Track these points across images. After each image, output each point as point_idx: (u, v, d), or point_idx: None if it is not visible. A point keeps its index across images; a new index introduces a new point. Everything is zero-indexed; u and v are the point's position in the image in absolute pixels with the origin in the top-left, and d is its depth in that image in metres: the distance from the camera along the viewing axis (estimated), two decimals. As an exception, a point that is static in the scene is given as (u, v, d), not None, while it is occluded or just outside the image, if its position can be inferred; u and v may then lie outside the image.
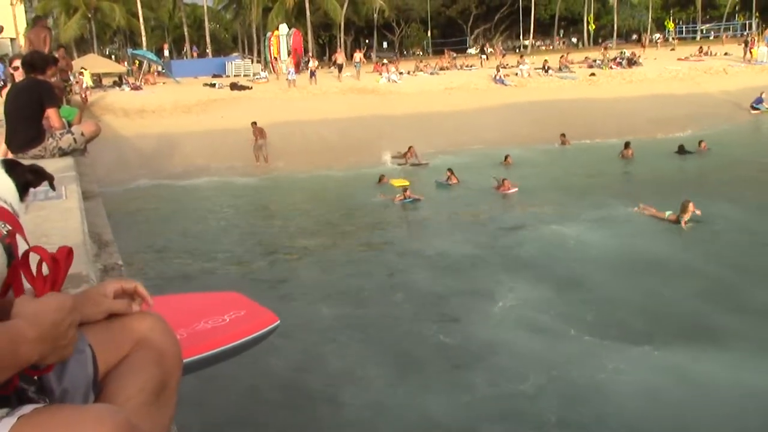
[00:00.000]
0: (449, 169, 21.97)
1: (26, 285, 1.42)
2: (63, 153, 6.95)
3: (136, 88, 35.15)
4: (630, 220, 16.00)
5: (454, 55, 49.24)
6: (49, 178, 1.64)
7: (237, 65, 42.87)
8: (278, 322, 2.87)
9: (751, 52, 42.28)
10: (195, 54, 56.44)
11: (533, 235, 15.45)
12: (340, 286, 12.56)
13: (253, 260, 14.74)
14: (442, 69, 43.16)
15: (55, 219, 4.05)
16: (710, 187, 19.37)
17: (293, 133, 28.53)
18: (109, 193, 12.74)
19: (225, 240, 16.64)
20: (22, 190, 1.56)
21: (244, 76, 40.14)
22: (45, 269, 1.38)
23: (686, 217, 14.86)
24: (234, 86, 35.30)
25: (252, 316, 3.00)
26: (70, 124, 8.24)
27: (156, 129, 28.66)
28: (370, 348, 9.76)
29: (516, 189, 19.62)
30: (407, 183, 21.12)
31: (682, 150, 24.44)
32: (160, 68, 42.28)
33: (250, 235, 17.20)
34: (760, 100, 34.23)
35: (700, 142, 24.90)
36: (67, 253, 1.38)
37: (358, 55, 43.03)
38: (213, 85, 35.88)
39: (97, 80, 36.37)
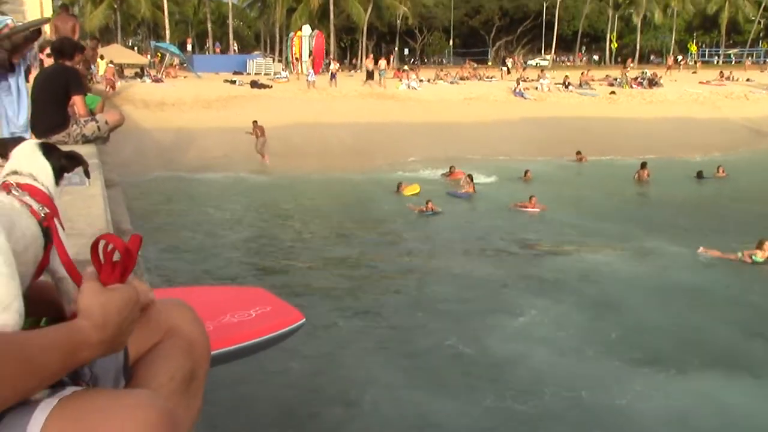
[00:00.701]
0: (469, 175, 21.81)
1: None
2: (86, 140, 6.98)
3: (158, 80, 35.33)
4: (656, 250, 15.37)
5: (475, 65, 49.19)
6: (84, 165, 1.63)
7: (258, 63, 43.04)
8: (304, 320, 2.86)
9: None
10: (218, 50, 56.65)
11: (557, 256, 15.06)
12: (356, 295, 12.40)
13: (267, 260, 14.74)
14: (462, 79, 43.16)
15: (79, 206, 4.05)
16: (728, 214, 19.24)
17: (311, 134, 28.57)
18: (126, 184, 12.75)
19: (240, 237, 16.64)
20: (57, 175, 1.55)
21: (265, 74, 40.29)
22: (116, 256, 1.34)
23: (762, 254, 13.82)
24: (254, 84, 35.42)
25: (278, 313, 2.98)
26: (92, 112, 8.28)
27: (175, 122, 28.78)
28: (385, 356, 9.70)
29: (542, 208, 18.91)
30: (419, 189, 21.10)
31: (700, 175, 24.25)
32: (181, 62, 42.50)
33: (265, 234, 17.19)
34: None
35: (718, 168, 24.73)
36: (139, 243, 1.33)
37: (383, 62, 42.01)
38: (233, 82, 36.03)
39: (119, 71, 36.57)
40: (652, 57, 70.40)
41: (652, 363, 9.38)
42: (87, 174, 1.67)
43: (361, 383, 8.83)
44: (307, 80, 36.16)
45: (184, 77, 38.32)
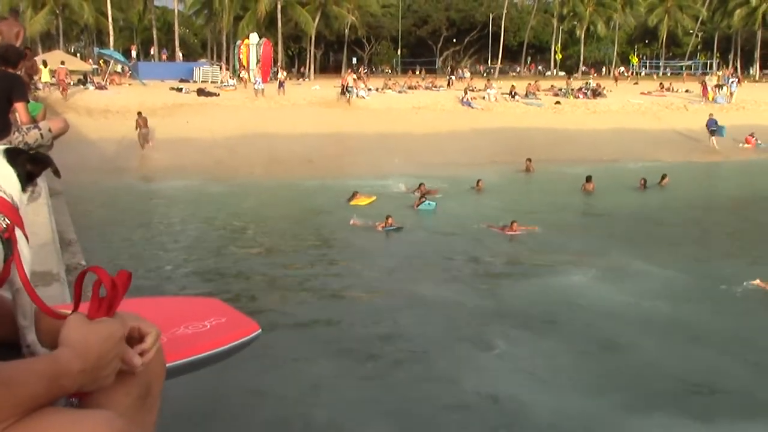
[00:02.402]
0: (421, 184, 21.74)
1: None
2: (29, 148, 6.79)
3: (102, 87, 34.70)
4: (621, 267, 14.68)
5: (425, 75, 49.49)
6: (53, 166, 1.55)
7: (205, 71, 42.64)
8: (260, 330, 2.80)
9: (707, 93, 43.16)
10: (164, 57, 55.91)
11: (522, 277, 14.23)
12: (312, 307, 12.16)
13: (221, 270, 14.49)
14: (410, 88, 43.46)
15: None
16: (677, 224, 19.73)
17: (260, 143, 28.38)
18: (70, 193, 12.39)
19: (190, 247, 16.38)
20: (24, 181, 1.46)
21: (212, 82, 39.93)
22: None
23: None
24: (201, 92, 35.07)
25: (233, 324, 2.92)
26: (35, 120, 8.06)
27: (120, 130, 28.28)
28: (338, 371, 9.52)
29: (523, 230, 17.70)
30: (373, 198, 20.96)
31: (644, 184, 24.66)
32: (125, 69, 41.82)
33: (217, 244, 16.93)
34: (713, 122, 34.89)
35: (663, 177, 25.13)
36: (127, 278, 1.32)
37: (350, 78, 40.01)
38: (180, 90, 35.59)
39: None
40: (592, 71, 71.86)
41: (640, 401, 8.81)
42: (57, 174, 1.59)
43: (315, 396, 8.74)
44: (254, 88, 35.95)
45: (129, 84, 37.71)
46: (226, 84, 38.73)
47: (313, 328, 11.17)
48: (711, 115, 35.50)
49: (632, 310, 12.05)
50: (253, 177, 25.06)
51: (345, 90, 37.35)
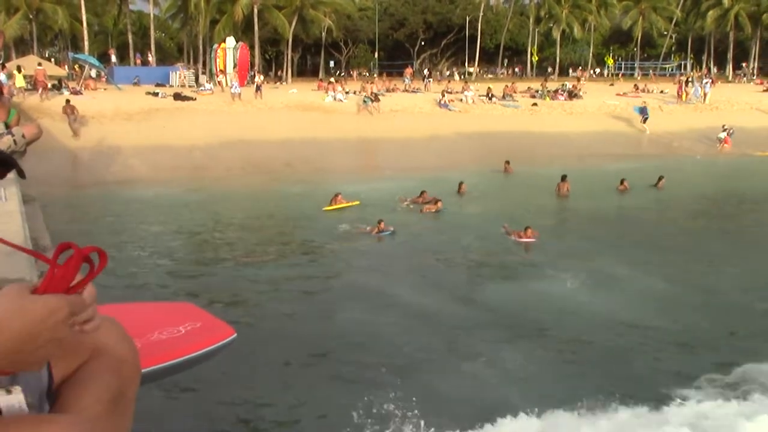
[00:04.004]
0: (423, 192, 21.46)
1: None
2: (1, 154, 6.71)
3: (76, 92, 34.34)
4: (609, 274, 14.51)
5: (407, 78, 49.26)
6: (17, 167, 1.52)
7: (181, 75, 42.36)
8: (235, 335, 2.79)
9: (680, 94, 43.72)
10: (139, 61, 55.49)
11: (515, 281, 14.03)
12: (291, 312, 12.02)
13: (198, 276, 14.40)
14: (388, 90, 43.46)
15: (-5, 221, 3.89)
16: (653, 226, 19.89)
17: (237, 147, 28.27)
18: (44, 199, 12.23)
19: (167, 253, 16.31)
20: None
21: (189, 86, 39.71)
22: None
23: None
24: (177, 96, 34.83)
25: (208, 328, 2.92)
26: (8, 126, 7.98)
27: (95, 135, 28.05)
28: (316, 380, 9.40)
29: (536, 237, 17.24)
30: (356, 203, 20.87)
31: (624, 185, 24.79)
32: (98, 74, 41.44)
33: (194, 250, 16.90)
34: (645, 110, 37.57)
35: (660, 178, 25.26)
36: (100, 256, 1.15)
37: (371, 87, 39.71)
38: (156, 94, 35.34)
39: (33, 83, 35.45)
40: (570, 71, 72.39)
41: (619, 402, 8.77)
42: (21, 174, 1.56)
43: (291, 402, 8.69)
44: (231, 92, 35.78)
45: (104, 89, 37.39)
46: (203, 88, 38.51)
47: (291, 332, 11.05)
48: (644, 102, 38.87)
49: (615, 314, 12.04)
50: (231, 182, 24.98)
51: (370, 97, 37.04)
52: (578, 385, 9.32)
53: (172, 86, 39.75)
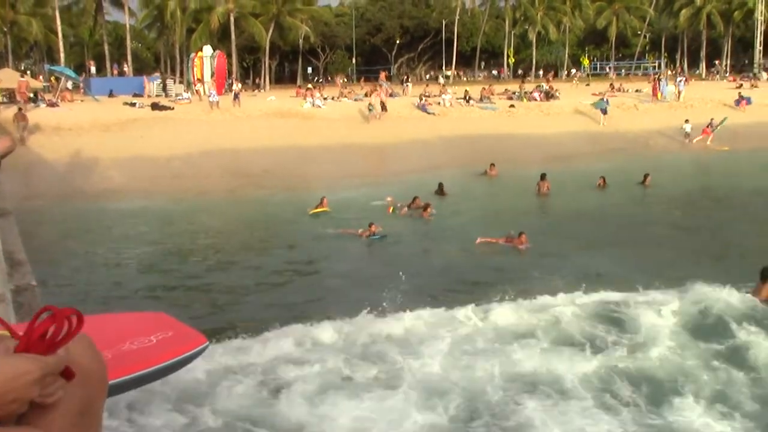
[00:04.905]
0: (416, 197, 21.25)
1: None
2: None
3: (53, 104, 34.15)
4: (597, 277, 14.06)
5: (383, 82, 49.35)
6: None
7: (159, 85, 42.24)
8: (207, 343, 2.84)
9: (655, 93, 44.27)
10: (116, 72, 55.24)
11: (504, 286, 13.15)
12: (269, 320, 11.90)
13: (173, 286, 14.35)
14: (367, 95, 43.60)
15: (-32, 237, 3.91)
16: (637, 225, 20.05)
17: (216, 155, 28.22)
18: (20, 212, 12.13)
19: (143, 264, 16.24)
20: None
21: (166, 96, 39.60)
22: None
23: None
24: (155, 106, 34.72)
25: (180, 337, 2.96)
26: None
27: (72, 147, 27.91)
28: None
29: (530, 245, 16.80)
30: (326, 209, 20.83)
31: (604, 183, 25.02)
32: (75, 85, 41.22)
33: (170, 260, 16.78)
34: (606, 102, 39.16)
35: (645, 176, 25.51)
36: (78, 321, 1.18)
37: (376, 98, 38.87)
38: (133, 105, 35.21)
39: (9, 95, 35.23)
40: (544, 72, 72.86)
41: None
42: None
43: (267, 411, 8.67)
44: (209, 101, 35.73)
45: (81, 101, 37.20)
46: (180, 97, 38.40)
47: (270, 339, 10.98)
48: (603, 96, 40.67)
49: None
50: (211, 191, 24.92)
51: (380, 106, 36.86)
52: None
53: (149, 96, 39.62)
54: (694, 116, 38.65)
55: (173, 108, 35.08)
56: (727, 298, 12.12)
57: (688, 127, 36.54)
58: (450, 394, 9.11)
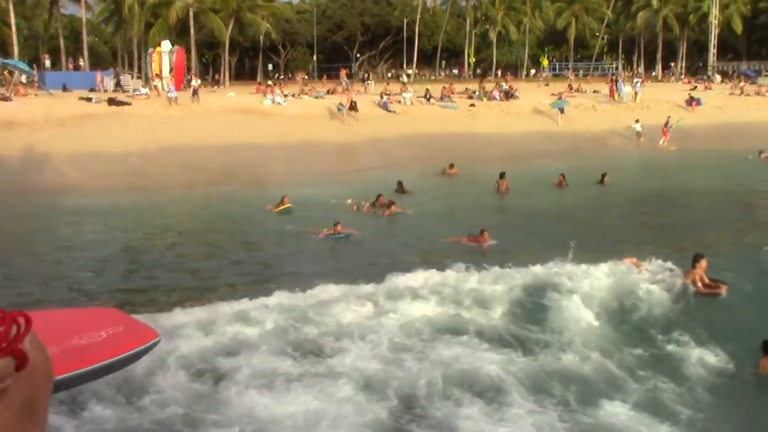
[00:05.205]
0: (379, 195, 21.18)
1: None
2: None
3: (6, 98, 33.41)
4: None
5: (346, 81, 49.25)
6: None
7: (112, 80, 41.64)
8: (159, 337, 2.81)
9: (613, 94, 45.01)
10: (71, 66, 54.21)
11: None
12: (222, 322, 11.71)
13: (126, 282, 14.13)
14: (329, 92, 43.59)
15: None
16: (593, 221, 20.32)
17: (175, 152, 27.90)
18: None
19: (96, 259, 15.96)
20: None
21: (123, 91, 39.03)
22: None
23: None
24: (112, 101, 34.19)
25: (130, 332, 2.93)
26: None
27: (26, 142, 27.35)
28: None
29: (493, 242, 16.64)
30: (289, 206, 20.72)
31: (564, 181, 25.33)
32: (27, 79, 40.39)
33: (125, 256, 16.57)
34: (564, 102, 40.08)
35: (603, 176, 25.79)
36: (25, 320, 1.15)
37: (344, 98, 37.10)
38: (89, 99, 34.62)
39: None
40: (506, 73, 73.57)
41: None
42: None
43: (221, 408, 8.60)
44: (168, 97, 35.30)
45: (35, 95, 36.46)
46: (138, 92, 37.88)
47: (224, 335, 10.84)
48: (562, 96, 41.84)
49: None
50: (169, 187, 24.63)
51: (345, 105, 36.27)
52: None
53: (106, 91, 39.01)
54: (650, 117, 39.41)
55: (131, 103, 34.58)
56: (659, 285, 12.52)
57: (638, 127, 37.38)
58: (386, 388, 9.15)
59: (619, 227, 19.82)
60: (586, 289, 12.46)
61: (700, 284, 12.25)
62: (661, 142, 36.38)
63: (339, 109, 36.00)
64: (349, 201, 21.57)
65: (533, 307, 12.06)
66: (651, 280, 12.80)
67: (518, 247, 16.51)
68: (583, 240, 15.84)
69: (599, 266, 13.22)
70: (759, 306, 11.97)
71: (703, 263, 12.32)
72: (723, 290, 12.16)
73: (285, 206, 20.65)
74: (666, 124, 36.61)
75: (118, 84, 41.11)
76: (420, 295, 12.41)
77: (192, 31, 53.26)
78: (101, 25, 64.87)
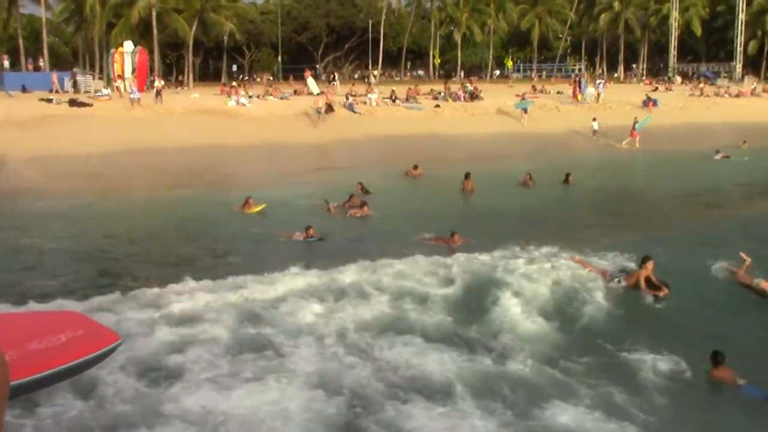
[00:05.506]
0: (352, 195, 21.17)
1: None
2: None
3: (-37, 100, 32.76)
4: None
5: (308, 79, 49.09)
6: None
7: (77, 81, 40.97)
8: (120, 340, 2.75)
9: (576, 95, 45.56)
10: (31, 67, 53.23)
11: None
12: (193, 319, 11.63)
13: (89, 284, 13.79)
14: (295, 93, 43.49)
15: None
16: (559, 220, 20.50)
17: (139, 154, 27.54)
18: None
19: (56, 263, 15.65)
20: None
21: (85, 92, 38.44)
22: None
23: None
24: (73, 102, 33.65)
25: (91, 335, 2.87)
26: None
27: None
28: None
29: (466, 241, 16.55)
30: (263, 205, 20.56)
31: (530, 179, 25.52)
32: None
33: (86, 259, 16.25)
34: (528, 102, 40.98)
35: (567, 175, 25.90)
36: None
37: (321, 99, 37.01)
38: (50, 101, 34.04)
39: None
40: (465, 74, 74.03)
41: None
42: None
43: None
44: (130, 98, 34.85)
45: (-6, 96, 35.78)
46: (100, 94, 37.34)
47: (177, 334, 10.78)
48: (525, 96, 42.68)
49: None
50: (132, 190, 24.28)
51: (322, 108, 35.86)
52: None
53: (67, 92, 38.38)
54: (612, 117, 39.96)
55: (92, 104, 34.08)
56: (605, 284, 12.90)
57: (595, 125, 38.03)
58: (336, 387, 9.20)
59: (583, 225, 20.04)
60: (534, 290, 12.75)
61: (644, 285, 12.56)
62: (624, 143, 36.78)
63: (318, 113, 35.71)
64: (326, 202, 21.22)
65: (481, 308, 12.22)
66: (598, 279, 13.16)
67: (483, 248, 16.49)
68: (545, 239, 16.10)
69: (549, 265, 13.67)
70: (701, 306, 12.41)
71: (650, 265, 12.64)
72: (663, 292, 12.49)
73: (260, 207, 20.50)
74: (633, 126, 37.06)
75: (75, 85, 40.39)
76: (368, 294, 12.61)
77: (155, 31, 52.65)
78: (62, 25, 63.82)
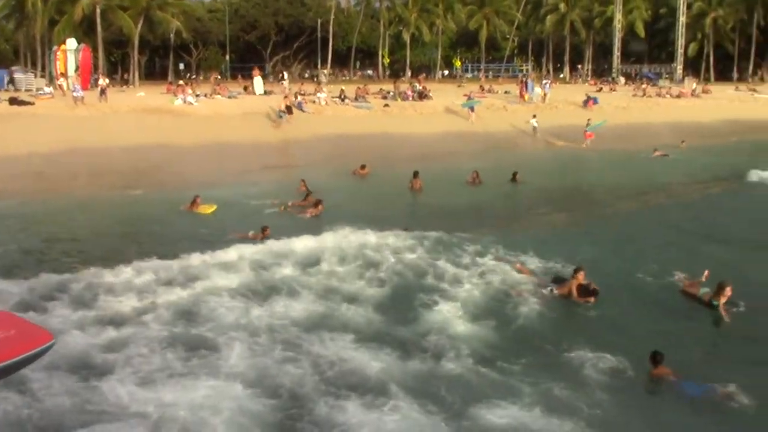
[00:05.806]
0: (308, 194, 21.08)
1: None
2: None
3: None
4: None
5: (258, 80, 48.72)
6: None
7: (18, 79, 40.03)
8: (53, 340, 2.74)
9: (522, 94, 46.27)
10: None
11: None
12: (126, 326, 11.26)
13: (23, 284, 13.44)
14: (245, 89, 43.26)
15: None
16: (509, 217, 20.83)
17: (83, 153, 27.02)
18: None
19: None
20: None
21: (26, 90, 37.57)
22: None
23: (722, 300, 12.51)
24: (13, 101, 32.88)
25: (23, 335, 2.85)
26: None
27: None
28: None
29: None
30: (214, 207, 20.32)
31: (477, 178, 25.82)
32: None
33: (22, 259, 15.83)
34: (474, 102, 41.76)
35: (515, 174, 26.31)
36: None
37: (285, 102, 36.43)
38: (-11, 99, 33.22)
39: None
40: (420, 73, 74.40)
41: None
42: None
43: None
44: (73, 96, 34.18)
45: (-71, 95, 34.72)
46: (42, 92, 36.54)
47: (110, 331, 10.77)
48: (471, 96, 43.68)
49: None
50: (76, 191, 23.78)
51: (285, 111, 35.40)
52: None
53: (7, 90, 37.47)
54: (558, 117, 40.69)
55: (34, 103, 33.34)
56: (540, 291, 13.19)
57: (534, 122, 38.87)
58: (269, 385, 9.22)
59: (526, 223, 20.33)
60: (467, 292, 13.00)
61: (575, 293, 12.92)
62: (583, 144, 37.37)
63: (280, 116, 35.33)
64: (275, 202, 21.07)
65: (412, 308, 12.32)
66: (531, 284, 13.46)
67: (418, 248, 16.56)
68: (486, 236, 16.37)
69: (483, 269, 14.00)
70: (637, 307, 12.79)
71: (580, 276, 13.01)
72: (592, 300, 12.82)
73: (212, 209, 20.24)
74: (587, 127, 37.69)
75: (11, 82, 39.38)
76: (298, 292, 12.78)
77: (99, 28, 51.75)
78: (2, 21, 62.25)
